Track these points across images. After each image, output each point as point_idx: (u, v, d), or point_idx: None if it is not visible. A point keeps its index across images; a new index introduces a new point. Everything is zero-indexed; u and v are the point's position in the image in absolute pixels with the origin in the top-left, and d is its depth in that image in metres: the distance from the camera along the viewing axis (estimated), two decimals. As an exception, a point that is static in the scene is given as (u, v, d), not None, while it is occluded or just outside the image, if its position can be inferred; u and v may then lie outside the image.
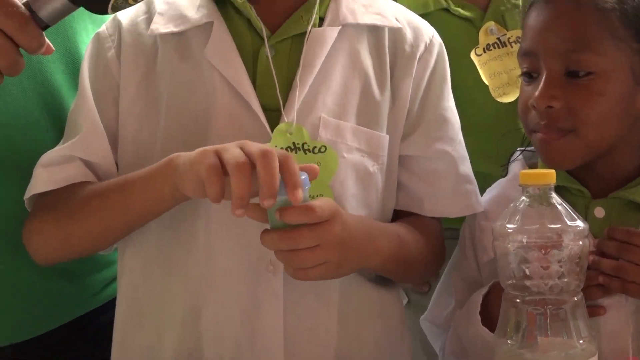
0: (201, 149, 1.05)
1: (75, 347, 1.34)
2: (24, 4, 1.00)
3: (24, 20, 0.99)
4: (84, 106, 1.22)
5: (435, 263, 1.33)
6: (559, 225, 1.01)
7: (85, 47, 1.28)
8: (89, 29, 1.33)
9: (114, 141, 1.23)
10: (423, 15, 1.38)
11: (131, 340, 1.24)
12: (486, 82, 1.50)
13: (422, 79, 1.26)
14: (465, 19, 1.50)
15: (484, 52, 1.50)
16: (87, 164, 1.21)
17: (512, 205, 1.05)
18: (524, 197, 1.04)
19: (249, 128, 1.17)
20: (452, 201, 1.28)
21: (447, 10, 1.50)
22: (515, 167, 1.32)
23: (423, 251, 1.26)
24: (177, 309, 1.21)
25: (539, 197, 1.03)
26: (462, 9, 1.50)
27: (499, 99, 1.48)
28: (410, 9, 1.34)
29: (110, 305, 1.30)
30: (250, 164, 0.99)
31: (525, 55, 1.25)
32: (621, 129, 1.21)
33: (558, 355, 1.01)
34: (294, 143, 1.17)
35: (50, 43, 1.05)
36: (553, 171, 1.05)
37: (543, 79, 1.19)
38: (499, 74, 1.49)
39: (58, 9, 1.01)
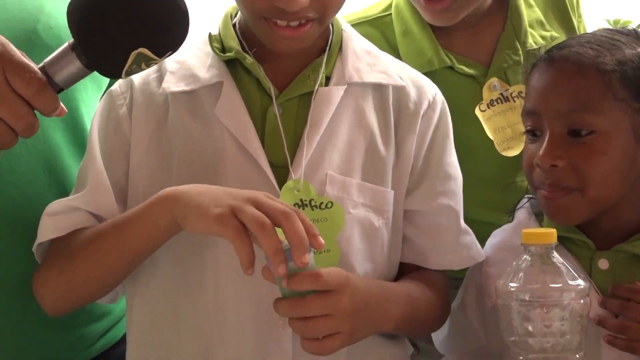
0: (210, 193, 1.08)
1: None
2: (40, 68, 1.03)
3: (41, 86, 1.02)
4: (92, 162, 1.24)
5: (443, 317, 1.34)
6: (560, 285, 1.03)
7: (85, 104, 1.31)
8: (88, 87, 1.34)
9: (122, 196, 1.24)
10: (428, 73, 1.41)
11: None
12: (491, 137, 1.51)
13: (425, 136, 1.28)
14: (469, 76, 1.53)
15: (488, 107, 1.52)
16: (93, 215, 1.23)
17: (514, 263, 1.07)
18: (526, 256, 1.06)
19: (258, 185, 1.19)
20: (455, 254, 1.29)
21: (451, 68, 1.52)
22: (521, 214, 1.33)
23: (432, 307, 1.28)
24: (187, 349, 1.22)
25: (541, 256, 1.05)
26: (466, 66, 1.52)
27: (503, 153, 1.50)
28: (416, 67, 1.37)
29: (105, 355, 1.32)
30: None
31: (528, 114, 1.27)
32: (624, 186, 1.23)
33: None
34: (301, 200, 1.19)
35: (63, 106, 1.08)
36: (554, 231, 1.07)
37: (547, 139, 1.22)
38: (503, 128, 1.50)
39: (73, 74, 1.04)
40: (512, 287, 1.05)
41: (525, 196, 1.36)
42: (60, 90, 1.05)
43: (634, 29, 1.29)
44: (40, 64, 1.03)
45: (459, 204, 1.31)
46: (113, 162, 1.24)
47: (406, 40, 1.53)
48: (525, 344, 1.05)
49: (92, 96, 1.33)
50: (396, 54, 1.50)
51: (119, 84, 1.28)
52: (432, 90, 1.31)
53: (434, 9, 1.47)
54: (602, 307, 1.19)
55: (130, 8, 1.00)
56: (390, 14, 1.58)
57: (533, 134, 1.26)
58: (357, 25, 1.53)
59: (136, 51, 1.01)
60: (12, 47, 1.02)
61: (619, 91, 1.20)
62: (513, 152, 1.51)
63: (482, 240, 1.36)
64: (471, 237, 1.32)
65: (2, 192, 1.25)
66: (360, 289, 1.12)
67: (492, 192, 1.47)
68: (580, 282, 1.05)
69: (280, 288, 1.07)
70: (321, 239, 1.04)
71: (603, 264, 1.23)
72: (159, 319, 1.24)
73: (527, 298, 1.04)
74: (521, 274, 1.05)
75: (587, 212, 1.22)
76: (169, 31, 1.03)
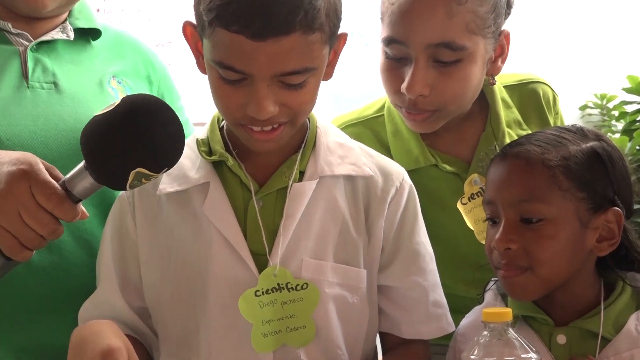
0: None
1: None
2: (60, 184, 1.23)
3: (60, 200, 1.21)
4: (102, 261, 1.42)
5: None
6: (513, 357, 1.16)
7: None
8: None
9: (134, 287, 1.41)
10: (415, 170, 1.55)
11: None
12: (471, 227, 1.62)
13: (394, 219, 1.39)
14: (452, 172, 1.64)
15: (469, 200, 1.62)
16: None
17: (476, 338, 1.22)
18: (485, 332, 1.20)
19: (240, 273, 1.34)
20: (425, 324, 1.41)
21: (435, 165, 1.63)
22: (489, 296, 1.46)
23: None
24: None
25: (498, 332, 1.19)
26: (448, 164, 1.63)
27: (482, 242, 1.58)
28: (404, 164, 1.50)
29: None
30: None
31: (487, 204, 1.41)
32: (573, 266, 1.35)
33: None
34: (278, 284, 1.33)
35: (84, 210, 1.27)
36: (510, 310, 1.20)
37: (502, 225, 1.36)
38: (482, 219, 1.59)
39: (87, 187, 1.23)
40: (473, 358, 1.19)
41: (492, 279, 1.48)
42: (78, 200, 1.24)
43: (580, 127, 1.43)
44: (61, 180, 1.23)
45: (427, 279, 1.41)
46: (126, 261, 1.41)
47: (396, 139, 1.65)
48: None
49: None
50: (387, 151, 1.63)
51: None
52: (399, 177, 1.42)
53: (414, 119, 1.57)
54: None
55: (129, 139, 1.17)
56: (383, 114, 1.69)
57: (492, 221, 1.40)
58: (353, 125, 1.67)
59: (134, 171, 1.19)
60: (40, 167, 1.23)
61: (563, 183, 1.33)
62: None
63: (459, 312, 1.48)
64: (442, 310, 1.44)
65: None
66: None
67: (468, 271, 1.57)
68: (532, 355, 1.17)
69: None
70: None
71: (561, 339, 1.36)
72: None
73: (485, 368, 1.18)
74: (481, 348, 1.19)
75: (540, 289, 1.35)
76: (163, 154, 1.20)
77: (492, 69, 1.62)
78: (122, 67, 1.61)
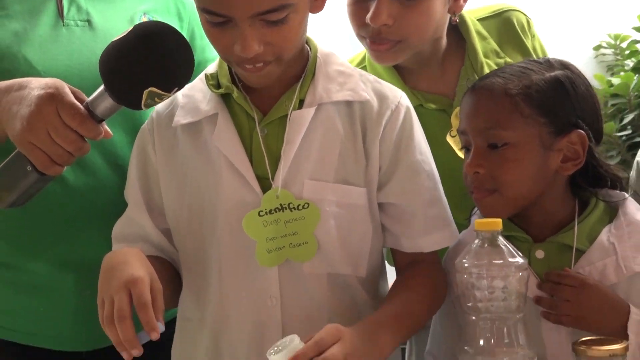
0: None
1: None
2: (84, 105, 1.34)
3: (83, 119, 1.33)
4: (130, 187, 1.53)
5: (440, 299, 1.49)
6: (501, 261, 1.27)
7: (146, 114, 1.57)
8: None
9: (158, 211, 1.52)
10: None
11: (179, 350, 1.55)
12: (462, 157, 1.63)
13: (390, 140, 1.45)
14: (437, 109, 1.70)
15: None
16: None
17: (469, 245, 1.32)
18: (477, 240, 1.30)
19: (246, 196, 1.43)
20: (424, 238, 1.47)
21: (421, 105, 1.70)
22: (474, 220, 1.53)
23: (427, 305, 1.46)
24: (205, 335, 1.50)
25: (489, 239, 1.29)
26: (433, 102, 1.70)
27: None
28: None
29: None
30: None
31: (461, 134, 1.50)
32: (539, 185, 1.44)
33: (502, 358, 1.29)
34: (281, 204, 1.42)
35: (108, 129, 1.38)
36: (500, 220, 1.30)
37: (471, 152, 1.46)
38: None
39: (108, 108, 1.34)
40: (465, 263, 1.29)
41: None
42: (101, 120, 1.35)
43: (548, 59, 1.51)
44: (85, 102, 1.34)
45: (424, 194, 1.46)
46: (150, 187, 1.52)
47: None
48: (476, 308, 1.29)
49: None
50: None
51: (147, 122, 1.55)
52: (395, 100, 1.47)
53: (377, 49, 1.62)
54: (540, 289, 1.43)
55: (141, 60, 1.30)
56: (365, 65, 1.75)
57: (467, 149, 1.49)
58: None
59: (147, 90, 1.31)
60: (66, 90, 1.34)
61: (524, 110, 1.42)
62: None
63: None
64: (443, 223, 1.49)
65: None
66: (352, 333, 1.30)
67: (468, 200, 1.59)
68: (519, 259, 1.28)
69: None
70: (154, 334, 1.24)
71: (539, 254, 1.46)
72: (187, 305, 1.53)
73: (476, 271, 1.27)
74: (473, 254, 1.29)
75: (507, 209, 1.44)
76: (172, 75, 1.33)
77: (454, 7, 1.68)
78: (153, 4, 1.68)
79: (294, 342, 1.25)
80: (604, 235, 1.46)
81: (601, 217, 1.49)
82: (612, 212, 1.50)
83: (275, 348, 1.25)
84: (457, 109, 1.67)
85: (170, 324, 1.54)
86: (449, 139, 1.70)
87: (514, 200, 1.45)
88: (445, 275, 1.50)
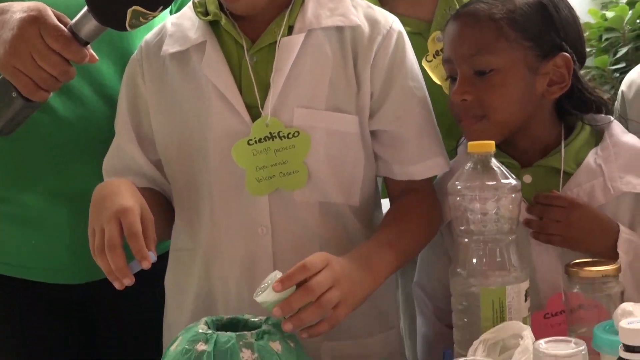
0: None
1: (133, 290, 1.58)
2: (68, 28, 1.31)
3: (67, 41, 1.30)
4: (119, 118, 1.52)
5: (435, 227, 1.48)
6: (494, 182, 1.27)
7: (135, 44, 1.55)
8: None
9: (149, 142, 1.50)
10: None
11: (172, 281, 1.55)
12: (439, 83, 1.67)
13: (382, 66, 1.42)
14: (415, 33, 1.66)
15: (434, 57, 1.68)
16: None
17: (461, 169, 1.32)
18: (470, 162, 1.29)
19: (235, 124, 1.41)
20: (415, 165, 1.45)
21: None
22: (461, 149, 1.56)
23: (421, 232, 1.44)
24: (197, 265, 1.49)
25: (482, 161, 1.28)
26: (409, 26, 1.64)
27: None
28: None
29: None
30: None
31: (445, 62, 1.50)
32: (526, 110, 1.44)
33: (495, 281, 1.29)
34: (270, 132, 1.40)
35: (93, 53, 1.35)
36: (493, 142, 1.29)
37: (458, 79, 1.45)
38: None
39: (92, 30, 1.31)
40: (458, 185, 1.29)
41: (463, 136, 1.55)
42: (86, 43, 1.32)
43: None
44: (69, 25, 1.30)
45: (415, 121, 1.44)
46: (140, 117, 1.50)
47: None
48: (469, 230, 1.29)
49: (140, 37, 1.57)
50: None
51: (136, 52, 1.52)
52: (386, 25, 1.44)
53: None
54: (529, 212, 1.44)
55: None
56: None
57: (452, 78, 1.48)
58: None
59: (131, 9, 1.27)
60: (49, 13, 1.30)
61: (509, 34, 1.41)
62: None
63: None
64: (434, 151, 1.46)
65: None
66: (342, 259, 1.28)
67: (444, 126, 1.59)
68: (512, 181, 1.27)
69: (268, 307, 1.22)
70: (146, 263, 1.23)
71: (527, 178, 1.47)
72: (180, 236, 1.53)
73: (468, 193, 1.27)
74: (465, 176, 1.29)
75: (496, 134, 1.41)
76: None
77: None
78: None
79: (278, 278, 1.24)
80: (590, 158, 1.47)
81: (587, 140, 1.50)
82: (598, 135, 1.51)
83: (263, 286, 1.24)
84: (435, 34, 1.68)
85: (164, 257, 1.55)
86: (425, 64, 1.67)
87: (502, 125, 1.44)
88: (439, 203, 1.49)
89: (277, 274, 1.23)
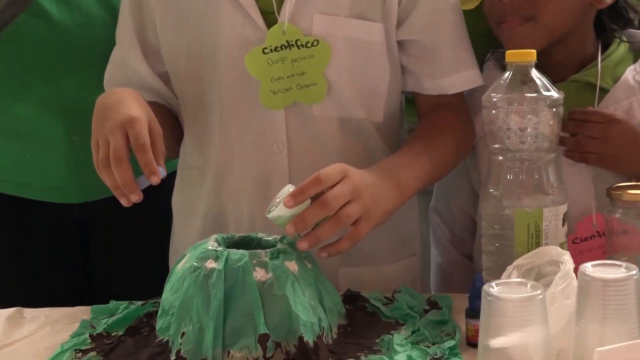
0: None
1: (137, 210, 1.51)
2: None
3: None
4: (122, 26, 1.39)
5: (468, 145, 1.37)
6: (535, 94, 1.15)
7: None
8: None
9: (154, 53, 1.38)
10: None
11: (179, 200, 1.45)
12: None
13: None
14: None
15: None
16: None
17: (497, 81, 1.19)
18: (508, 72, 1.17)
19: (248, 31, 1.29)
20: (448, 78, 1.33)
21: None
22: (487, 67, 1.44)
23: (452, 150, 1.32)
24: (207, 184, 1.38)
25: (521, 71, 1.16)
26: None
27: (463, 7, 1.46)
28: None
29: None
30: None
31: None
32: (574, 16, 1.33)
33: (532, 202, 1.18)
34: (287, 41, 1.28)
35: None
36: (534, 51, 1.17)
37: None
38: None
39: None
40: (494, 97, 1.17)
41: (489, 51, 1.45)
42: None
43: None
44: None
45: (447, 31, 1.33)
46: (146, 27, 1.37)
47: None
48: (504, 147, 1.17)
49: None
50: None
51: None
52: None
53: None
54: (562, 130, 1.32)
55: None
56: None
57: None
58: None
59: None
60: None
61: None
62: (469, 6, 1.57)
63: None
64: (468, 63, 1.35)
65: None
66: (363, 171, 1.17)
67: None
68: (554, 94, 1.16)
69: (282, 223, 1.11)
70: (154, 178, 1.11)
71: (560, 94, 1.37)
72: (189, 153, 1.42)
73: (506, 106, 1.15)
74: (503, 87, 1.17)
75: (542, 40, 1.31)
76: None
77: None
78: None
79: (290, 191, 1.12)
80: (628, 74, 1.37)
81: (625, 56, 1.40)
82: (636, 53, 1.42)
83: (277, 201, 1.12)
84: None
85: (171, 177, 1.45)
86: None
87: (549, 30, 1.32)
88: (472, 119, 1.38)
89: (290, 188, 1.12)
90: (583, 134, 1.31)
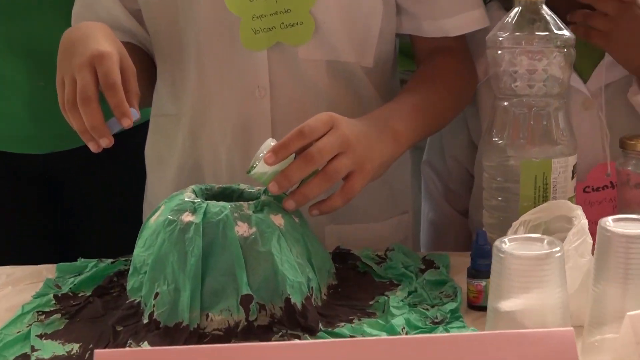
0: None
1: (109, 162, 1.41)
2: None
3: None
4: None
5: (470, 92, 1.26)
6: (546, 33, 1.04)
7: None
8: None
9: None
10: None
11: (152, 150, 1.34)
12: None
13: None
14: None
15: None
16: None
17: (503, 18, 1.08)
18: (517, 8, 1.06)
19: None
20: (451, 19, 1.22)
21: None
22: (493, 5, 1.31)
23: (453, 97, 1.22)
24: (182, 132, 1.26)
25: (531, 8, 1.05)
26: None
27: None
28: None
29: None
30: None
31: None
32: None
33: (540, 152, 1.08)
34: None
35: None
36: None
37: None
38: None
39: None
40: (500, 36, 1.06)
41: None
42: None
43: None
44: None
45: None
46: None
47: None
48: (511, 91, 1.07)
49: None
50: None
51: None
52: None
53: None
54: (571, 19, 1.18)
55: None
56: None
57: None
58: None
59: None
60: None
61: None
62: None
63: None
64: (472, 1, 1.23)
65: None
66: (350, 120, 1.05)
67: None
68: (566, 33, 1.05)
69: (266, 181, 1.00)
70: (126, 120, 0.99)
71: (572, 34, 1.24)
72: (162, 97, 1.29)
73: (514, 46, 1.05)
74: (510, 25, 1.06)
75: None
76: None
77: None
78: None
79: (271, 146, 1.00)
80: None
81: None
82: None
83: (259, 156, 1.01)
84: None
85: (145, 127, 1.35)
86: None
87: None
88: (474, 64, 1.26)
89: (272, 142, 1.00)
90: (596, 7, 1.17)
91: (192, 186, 1.05)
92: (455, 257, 1.14)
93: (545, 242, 0.82)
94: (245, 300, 0.92)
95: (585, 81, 1.23)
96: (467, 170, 1.40)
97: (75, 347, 0.92)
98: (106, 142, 1.01)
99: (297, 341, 0.89)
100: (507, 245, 0.82)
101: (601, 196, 1.21)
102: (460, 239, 1.43)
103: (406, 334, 0.91)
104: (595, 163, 1.21)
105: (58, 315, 0.99)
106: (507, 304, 0.81)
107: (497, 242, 0.82)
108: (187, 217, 0.96)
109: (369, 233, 1.28)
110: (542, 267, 0.79)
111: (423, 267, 1.11)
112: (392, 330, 0.91)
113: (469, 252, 1.02)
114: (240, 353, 0.70)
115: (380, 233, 1.29)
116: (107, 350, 0.70)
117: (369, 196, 1.21)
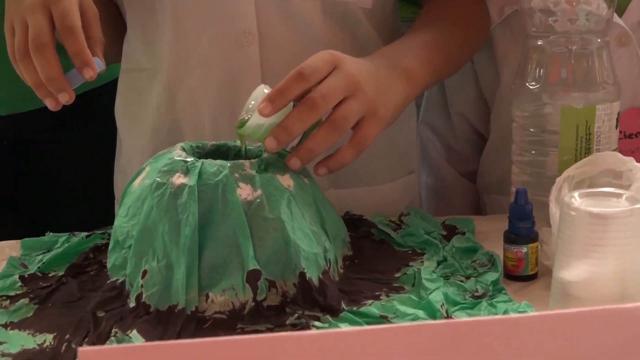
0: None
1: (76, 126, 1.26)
2: None
3: None
4: None
5: (484, 30, 1.11)
6: None
7: None
8: None
9: None
10: None
11: (123, 110, 1.16)
12: None
13: None
14: None
15: None
16: None
17: None
18: None
19: None
20: None
21: None
22: None
23: (468, 37, 1.07)
24: (157, 88, 1.09)
25: None
26: None
27: None
28: None
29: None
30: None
31: None
32: None
33: (581, 98, 0.93)
34: None
35: None
36: None
37: None
38: None
39: None
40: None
41: None
42: None
43: None
44: None
45: None
46: None
47: None
48: (548, 27, 0.90)
49: None
50: None
51: None
52: None
53: None
54: None
55: None
56: None
57: None
58: None
59: None
60: None
61: None
62: None
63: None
64: None
65: None
66: (355, 59, 0.89)
67: None
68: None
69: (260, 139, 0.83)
70: (89, 71, 0.84)
71: None
72: (134, 50, 1.11)
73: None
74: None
75: None
76: None
77: None
78: None
79: (265, 94, 0.83)
80: None
81: None
82: None
83: (249, 106, 0.83)
84: None
85: (115, 83, 1.18)
86: None
87: None
88: (486, 3, 1.11)
89: (265, 89, 0.83)
90: None
91: (181, 143, 0.87)
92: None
93: (625, 197, 0.67)
94: (252, 277, 0.76)
95: (620, 15, 1.07)
96: (473, 128, 1.24)
97: (48, 339, 0.74)
98: (66, 97, 0.84)
99: (334, 329, 0.72)
100: (579, 201, 0.66)
101: (634, 144, 1.06)
102: (465, 204, 1.28)
103: (446, 311, 0.75)
104: (631, 107, 1.05)
105: (26, 300, 0.82)
106: (579, 273, 0.66)
107: (566, 198, 0.66)
108: (178, 179, 0.79)
109: (373, 196, 1.13)
110: (627, 226, 0.64)
111: (444, 233, 0.95)
112: (429, 307, 0.75)
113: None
114: (263, 346, 0.53)
115: (385, 196, 1.14)
116: (94, 347, 0.52)
117: (371, 156, 1.05)
